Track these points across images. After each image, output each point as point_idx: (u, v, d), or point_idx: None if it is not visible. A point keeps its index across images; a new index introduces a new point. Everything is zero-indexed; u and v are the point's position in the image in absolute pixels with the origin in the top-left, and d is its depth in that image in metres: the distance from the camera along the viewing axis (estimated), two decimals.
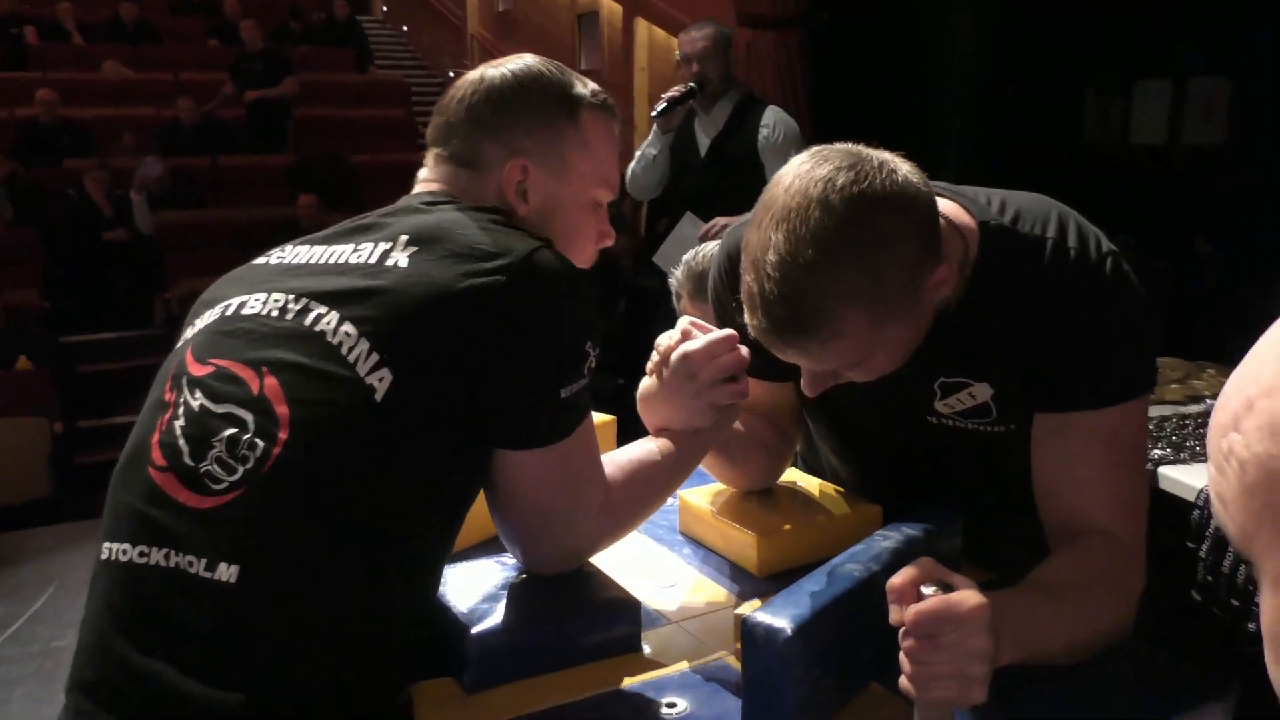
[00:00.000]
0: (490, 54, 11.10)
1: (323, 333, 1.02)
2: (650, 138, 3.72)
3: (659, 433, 1.26)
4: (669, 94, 3.63)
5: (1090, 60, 5.22)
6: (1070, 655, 1.05)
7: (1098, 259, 1.15)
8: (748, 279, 1.05)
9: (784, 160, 2.95)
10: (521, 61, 1.22)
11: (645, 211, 6.06)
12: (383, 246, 1.07)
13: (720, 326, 1.27)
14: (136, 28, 10.19)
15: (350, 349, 1.00)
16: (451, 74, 12.17)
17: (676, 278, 2.10)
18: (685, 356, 1.21)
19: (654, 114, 3.67)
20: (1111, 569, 1.09)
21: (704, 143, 3.62)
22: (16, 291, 6.58)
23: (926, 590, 0.89)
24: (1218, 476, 0.51)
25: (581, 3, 9.30)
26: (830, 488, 1.44)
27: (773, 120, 3.51)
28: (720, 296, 1.36)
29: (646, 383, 1.27)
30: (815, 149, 1.08)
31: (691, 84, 3.58)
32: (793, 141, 3.43)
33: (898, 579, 0.91)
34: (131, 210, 7.34)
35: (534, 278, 1.03)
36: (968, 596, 0.89)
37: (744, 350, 1.22)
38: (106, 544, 1.02)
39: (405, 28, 13.74)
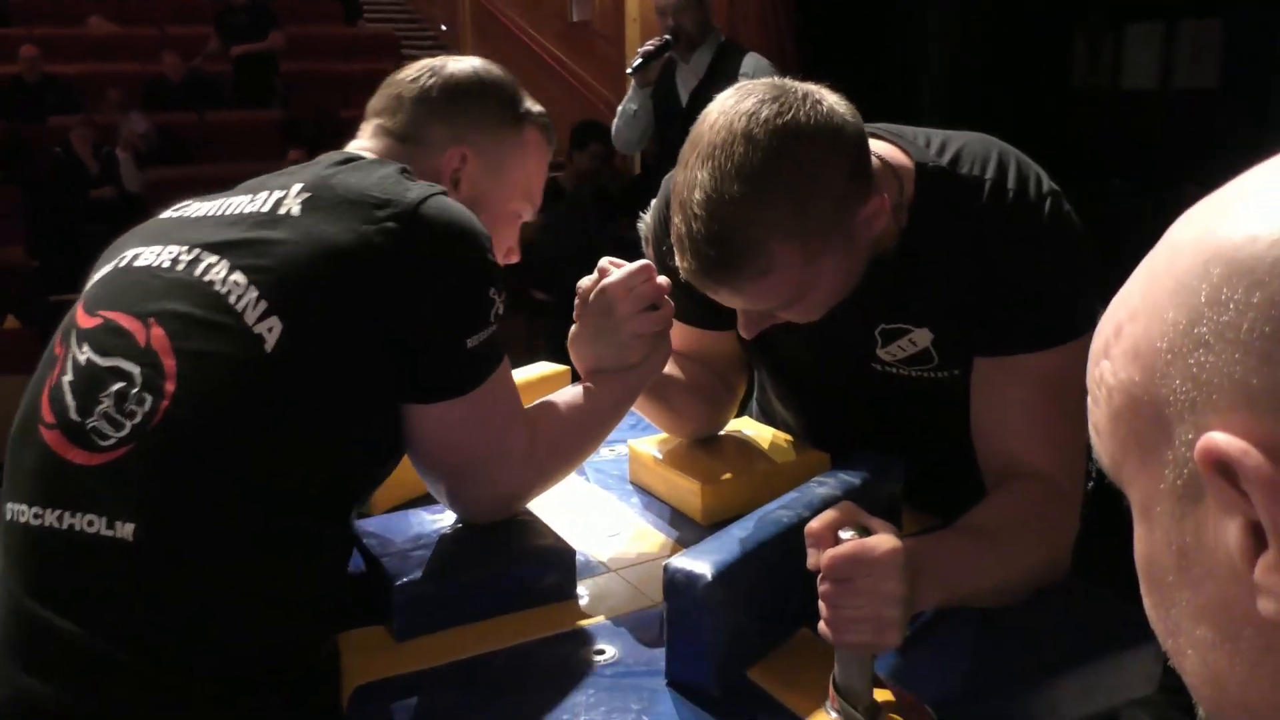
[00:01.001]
0: (483, 7, 11.01)
1: (211, 281, 1.00)
2: (630, 93, 3.70)
3: (590, 375, 1.24)
4: (643, 48, 3.61)
5: (1079, 2, 5.14)
6: (999, 597, 1.05)
7: (1037, 199, 1.12)
8: (675, 220, 1.04)
9: None
10: (481, 63, 1.28)
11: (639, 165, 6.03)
12: (276, 195, 1.06)
13: (660, 273, 1.26)
14: None
15: (239, 297, 0.99)
16: (444, 27, 12.06)
17: (646, 222, 2.08)
18: (603, 290, 1.20)
19: (630, 69, 3.65)
20: (1043, 511, 1.08)
21: (684, 93, 3.60)
22: (3, 250, 6.56)
23: (844, 535, 0.89)
24: (1092, 406, 0.50)
25: None
26: (781, 436, 1.43)
27: (752, 67, 3.47)
28: (658, 253, 1.33)
29: (574, 328, 1.26)
30: (740, 84, 1.06)
31: (666, 36, 3.56)
32: None
33: (815, 524, 0.90)
34: (118, 168, 7.28)
35: (426, 225, 1.01)
36: (881, 540, 0.88)
37: (662, 280, 1.20)
38: (8, 505, 1.00)
39: None
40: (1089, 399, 0.50)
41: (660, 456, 1.37)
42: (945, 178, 1.14)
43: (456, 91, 1.22)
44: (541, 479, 1.17)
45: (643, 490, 1.41)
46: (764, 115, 0.98)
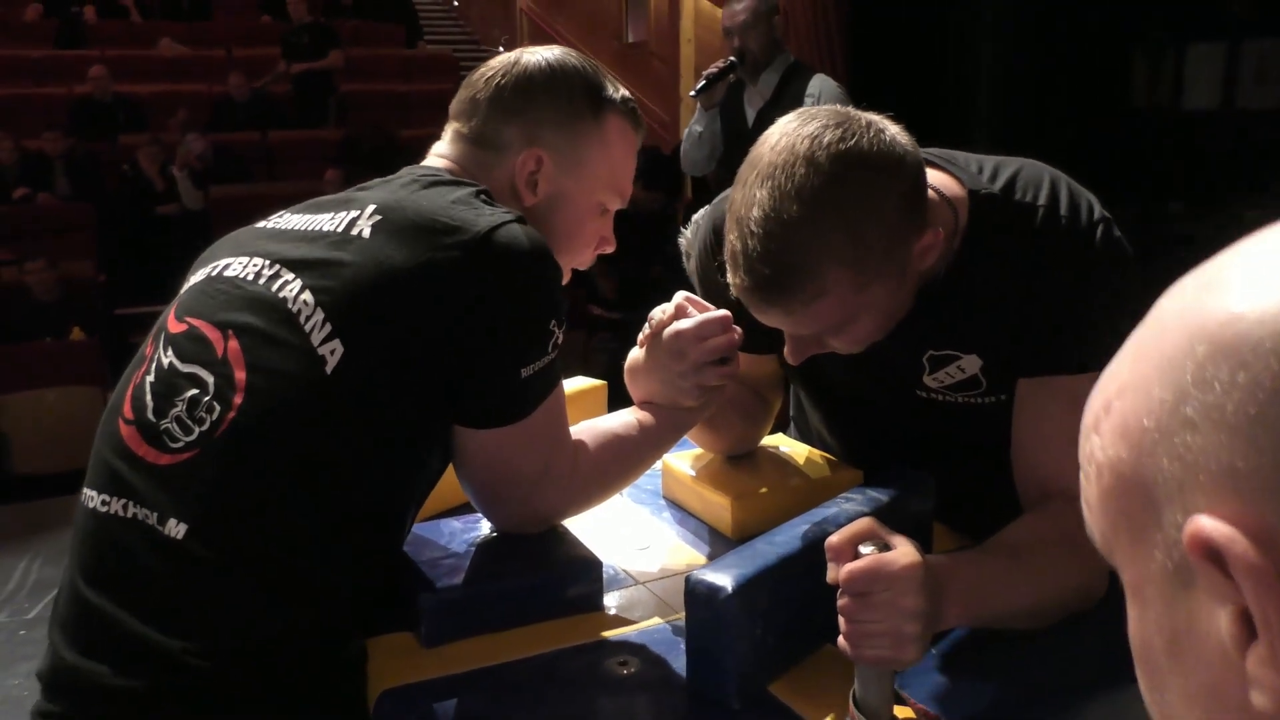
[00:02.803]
0: (539, 28, 11.16)
1: (285, 299, 1.03)
2: (696, 115, 3.71)
3: (643, 405, 1.25)
4: (708, 70, 3.61)
5: (1138, 21, 5.08)
6: (1029, 620, 1.03)
7: (1088, 225, 1.12)
8: (731, 237, 1.04)
9: None
10: (559, 52, 1.23)
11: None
12: (351, 215, 1.07)
13: (703, 297, 1.27)
14: (191, 4, 10.34)
15: (307, 318, 1.01)
16: (500, 48, 12.23)
17: (686, 237, 2.08)
18: (677, 334, 1.19)
19: (692, 93, 3.66)
20: (1078, 534, 1.06)
21: (751, 113, 3.59)
22: (73, 264, 6.75)
23: (864, 550, 0.89)
24: (1083, 481, 0.49)
25: None
26: (816, 454, 1.43)
27: (818, 89, 3.45)
28: (704, 269, 1.34)
29: (635, 354, 1.26)
30: (803, 109, 1.07)
31: (731, 58, 3.55)
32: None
33: (835, 538, 0.90)
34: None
35: (492, 254, 1.02)
36: (901, 555, 0.88)
37: (737, 332, 1.20)
38: (84, 490, 1.06)
39: (455, 2, 13.77)
40: (1080, 474, 0.50)
41: (693, 472, 1.38)
42: (998, 205, 1.14)
43: (529, 88, 1.19)
44: (580, 502, 1.19)
45: (675, 505, 1.41)
46: (827, 140, 0.99)
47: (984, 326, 1.16)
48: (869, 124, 1.02)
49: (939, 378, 1.21)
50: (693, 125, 3.71)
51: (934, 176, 1.13)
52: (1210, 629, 0.41)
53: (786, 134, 1.02)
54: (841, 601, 0.88)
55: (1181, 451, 0.41)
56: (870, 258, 1.01)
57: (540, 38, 11.26)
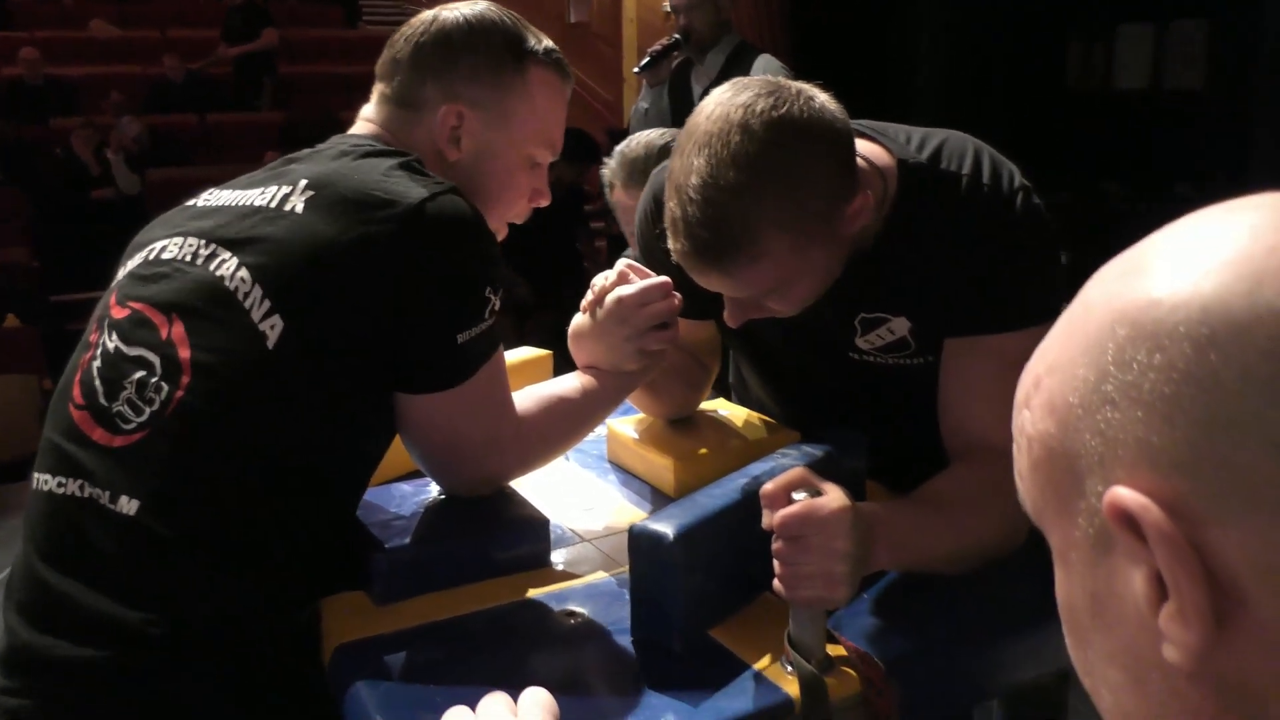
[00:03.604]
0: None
1: (222, 277, 1.05)
2: (642, 92, 3.73)
3: (586, 369, 1.29)
4: (652, 48, 3.63)
5: (1073, 6, 5.19)
6: (952, 565, 1.09)
7: (1010, 192, 1.18)
8: (670, 205, 1.07)
9: None
10: (477, 7, 1.22)
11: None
12: (284, 190, 1.09)
13: (644, 264, 1.30)
14: None
15: (245, 295, 1.03)
16: None
17: (609, 167, 2.10)
18: (620, 300, 1.23)
19: (636, 69, 3.68)
20: (999, 483, 1.11)
21: (698, 92, 3.61)
22: (6, 250, 6.63)
23: (796, 496, 0.93)
24: (1016, 453, 0.53)
25: None
26: (755, 416, 1.47)
27: (763, 68, 3.48)
28: (645, 237, 1.38)
29: (579, 319, 1.29)
30: (734, 80, 1.10)
31: (676, 36, 3.57)
32: None
33: (770, 485, 0.95)
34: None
35: (425, 225, 1.04)
36: (831, 500, 0.93)
37: (677, 298, 1.24)
38: (35, 474, 1.07)
39: None
40: (1014, 446, 0.54)
41: (637, 436, 1.42)
42: (925, 173, 1.19)
43: (448, 44, 1.19)
44: (525, 464, 1.22)
45: (620, 469, 1.45)
46: (760, 107, 1.03)
47: (912, 289, 1.21)
48: (799, 92, 1.06)
49: (870, 339, 1.26)
50: (639, 103, 3.73)
51: (864, 146, 1.17)
52: (1127, 591, 0.45)
53: (721, 103, 1.05)
54: (776, 545, 0.93)
55: (1103, 427, 0.45)
56: (805, 220, 1.05)
57: None
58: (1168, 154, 4.80)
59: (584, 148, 5.20)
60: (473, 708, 0.72)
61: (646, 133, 2.07)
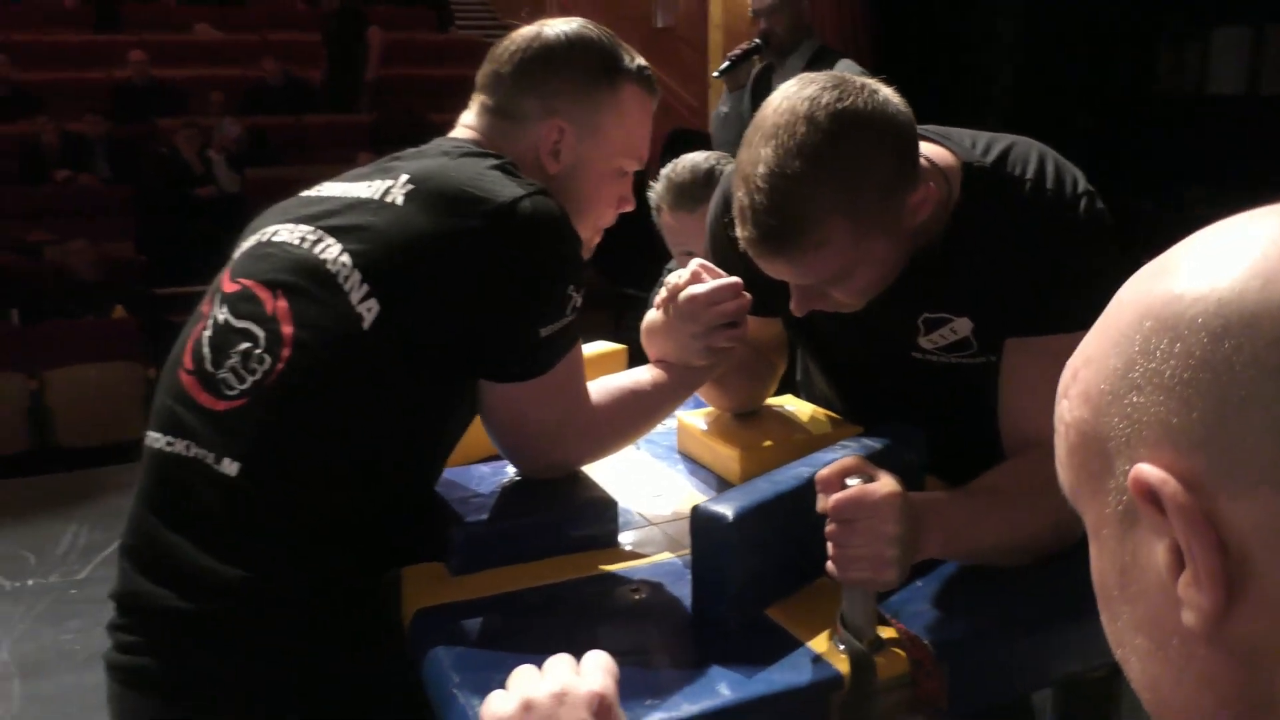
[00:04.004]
0: (568, 12, 11.20)
1: (325, 261, 1.13)
2: (723, 96, 3.77)
3: (657, 363, 1.34)
4: (733, 52, 3.67)
5: (1165, 6, 5.09)
6: (1003, 557, 1.12)
7: (1073, 197, 1.20)
8: (739, 194, 1.13)
9: None
10: (576, 24, 1.29)
11: None
12: (387, 184, 1.17)
13: (714, 263, 1.35)
14: None
15: (345, 278, 1.11)
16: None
17: (656, 190, 2.15)
18: (692, 299, 1.28)
19: (716, 73, 3.72)
20: (1053, 479, 1.14)
21: None
22: (114, 245, 6.93)
23: (850, 481, 0.98)
24: (1055, 440, 0.58)
25: None
26: (820, 412, 1.52)
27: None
28: (716, 237, 1.43)
29: (652, 315, 1.35)
30: (802, 75, 1.16)
31: (756, 40, 3.60)
32: None
33: (824, 471, 0.99)
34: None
35: (515, 224, 1.10)
36: (882, 486, 0.97)
37: (747, 298, 1.28)
38: (149, 433, 1.17)
39: None
40: (1055, 434, 0.59)
41: (705, 428, 1.47)
42: (990, 176, 1.22)
43: (549, 60, 1.25)
44: (597, 451, 1.28)
45: (689, 459, 1.51)
46: (825, 100, 1.08)
47: (975, 290, 1.24)
48: (863, 85, 1.11)
49: (933, 339, 1.29)
50: (720, 106, 3.77)
51: (929, 149, 1.21)
52: (1150, 562, 0.49)
53: (788, 97, 1.11)
54: (829, 528, 0.97)
55: (1129, 411, 0.49)
56: (867, 209, 1.09)
57: None
58: (1263, 161, 4.68)
59: (682, 143, 5.24)
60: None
61: (692, 156, 2.11)
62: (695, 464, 1.49)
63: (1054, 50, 4.69)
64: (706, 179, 1.99)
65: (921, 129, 1.20)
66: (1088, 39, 4.96)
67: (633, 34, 9.58)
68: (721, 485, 1.41)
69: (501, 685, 0.81)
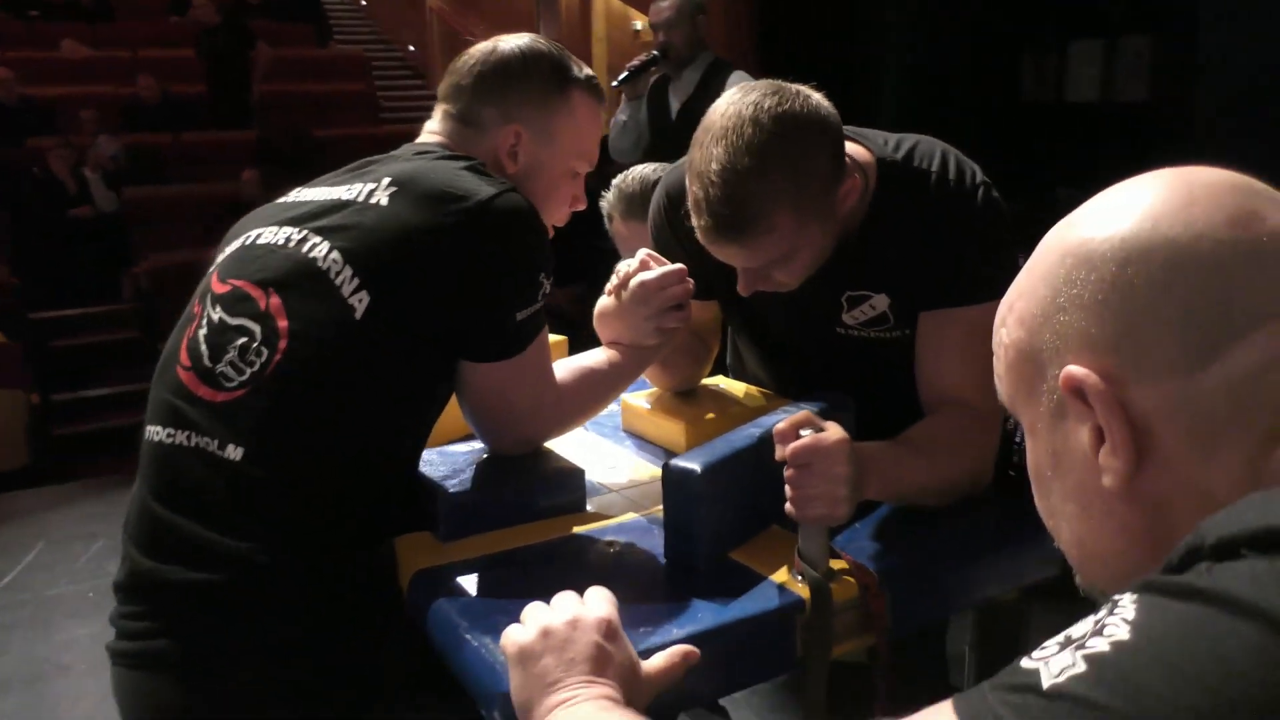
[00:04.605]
0: (450, 27, 11.23)
1: (315, 259, 1.22)
2: (621, 105, 3.91)
3: (610, 345, 1.47)
4: (632, 63, 3.82)
5: (1027, 22, 5.44)
6: (930, 497, 1.29)
7: (972, 187, 1.38)
8: (694, 188, 1.27)
9: None
10: (528, 39, 1.42)
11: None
12: (369, 186, 1.27)
13: (658, 252, 1.49)
14: (94, 5, 10.21)
15: (336, 273, 1.20)
16: (411, 48, 12.29)
17: (608, 199, 2.29)
18: (642, 284, 1.41)
19: (615, 83, 3.86)
20: (966, 430, 1.32)
21: (675, 106, 3.78)
22: None
23: (803, 433, 1.12)
24: (995, 362, 0.74)
25: None
26: (752, 389, 1.67)
27: (736, 83, 3.65)
28: (659, 230, 1.57)
29: (604, 301, 1.47)
30: (742, 84, 1.30)
31: (654, 52, 3.75)
32: None
33: (781, 424, 1.14)
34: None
35: (492, 218, 1.22)
36: (832, 434, 1.12)
37: (690, 283, 1.42)
38: (148, 427, 1.24)
39: (363, 1, 13.77)
40: (994, 357, 0.74)
41: (649, 406, 1.61)
42: (901, 169, 1.38)
43: (505, 74, 1.38)
44: (562, 425, 1.40)
45: (634, 435, 1.64)
46: (767, 105, 1.23)
47: (891, 269, 1.41)
48: (798, 91, 1.27)
49: (855, 315, 1.45)
50: (618, 115, 3.91)
51: (850, 147, 1.37)
52: (1076, 443, 0.65)
53: (733, 102, 1.25)
54: (787, 473, 1.12)
55: (1057, 328, 0.65)
56: (808, 200, 1.24)
57: (451, 37, 11.33)
58: (1117, 163, 5.03)
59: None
60: None
61: (641, 168, 2.26)
62: (640, 439, 1.62)
63: (933, 62, 4.99)
64: (655, 187, 2.14)
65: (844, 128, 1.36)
66: (960, 52, 5.28)
67: None
68: (667, 455, 1.53)
69: (506, 626, 0.92)
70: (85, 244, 7.44)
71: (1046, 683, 0.51)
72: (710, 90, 3.71)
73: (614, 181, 2.27)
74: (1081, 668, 0.50)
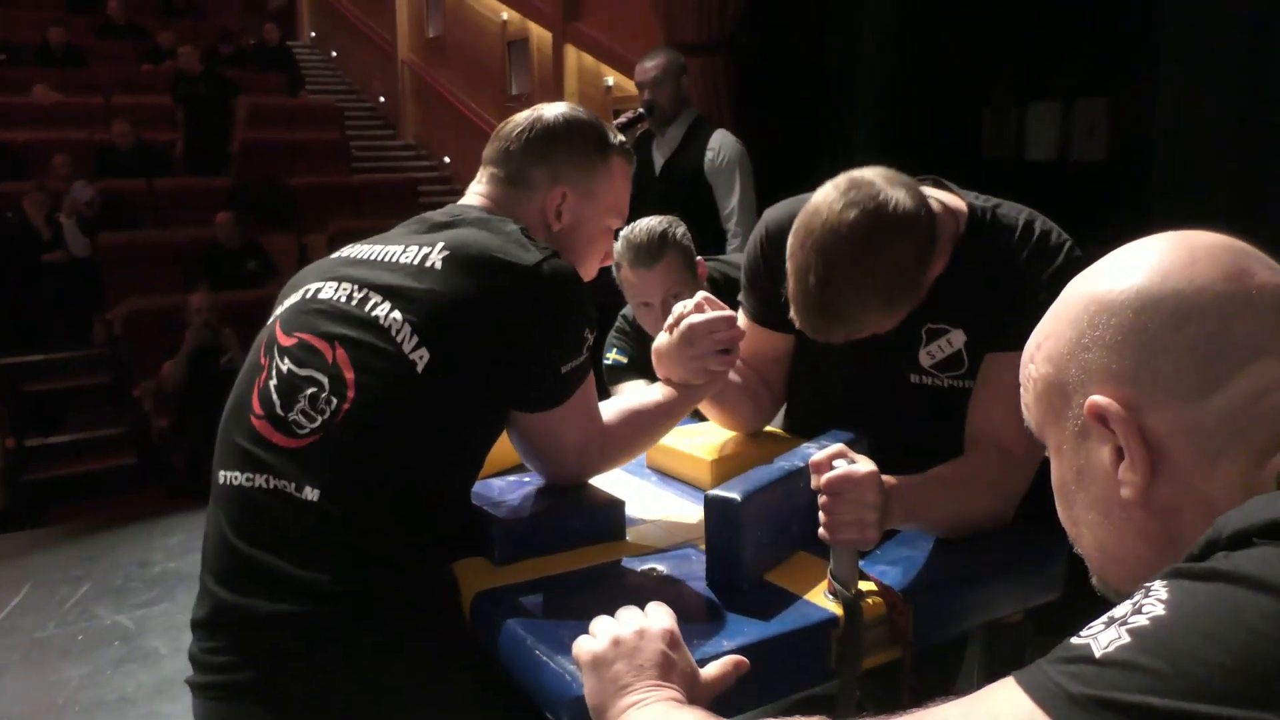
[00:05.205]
0: (422, 80, 11.41)
1: (377, 318, 1.32)
2: None
3: (664, 381, 1.57)
4: (618, 120, 3.95)
5: (987, 85, 5.69)
6: (947, 531, 1.41)
7: (1058, 241, 1.50)
8: (793, 287, 1.39)
9: (728, 178, 3.37)
10: (568, 108, 1.55)
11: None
12: (425, 250, 1.37)
13: (749, 287, 1.61)
14: (65, 52, 10.26)
15: (398, 332, 1.30)
16: (382, 99, 12.45)
17: (616, 250, 2.41)
18: (691, 326, 1.51)
19: None
20: (994, 473, 1.42)
21: (659, 161, 3.91)
22: None
23: (837, 464, 1.25)
24: (1024, 394, 0.87)
25: (511, 30, 9.60)
26: (777, 430, 1.79)
27: (718, 143, 3.78)
28: (754, 264, 1.69)
29: (662, 338, 1.57)
30: (846, 183, 1.39)
31: (640, 109, 3.89)
32: (736, 161, 3.74)
33: (817, 455, 1.26)
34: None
35: (540, 283, 1.33)
36: (863, 466, 1.24)
37: (740, 329, 1.52)
38: (222, 472, 1.34)
39: (334, 53, 13.93)
40: (1021, 389, 0.86)
41: (676, 444, 1.72)
42: (990, 217, 1.52)
43: (550, 137, 1.49)
44: (610, 462, 1.51)
45: (658, 472, 1.75)
46: (864, 221, 1.33)
47: (971, 307, 1.51)
48: (889, 198, 1.35)
49: (931, 351, 1.55)
50: None
51: (943, 195, 1.49)
52: (1098, 461, 0.78)
53: (833, 208, 1.35)
54: (822, 500, 1.23)
55: (1082, 364, 0.79)
56: (898, 299, 1.38)
57: (423, 90, 11.52)
58: (1077, 218, 5.26)
59: None
60: None
61: (647, 220, 2.36)
62: (664, 475, 1.74)
63: (899, 123, 5.20)
64: (661, 240, 2.27)
65: (933, 178, 1.51)
66: (924, 114, 5.50)
67: (489, 101, 9.84)
68: (693, 492, 1.66)
69: (572, 642, 1.02)
70: (58, 288, 7.45)
71: (1098, 653, 0.63)
72: (694, 146, 3.86)
73: (622, 233, 2.38)
74: (1126, 639, 0.62)
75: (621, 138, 1.59)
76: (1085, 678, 0.62)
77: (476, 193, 1.54)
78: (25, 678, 3.35)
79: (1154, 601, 0.64)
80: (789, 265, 1.40)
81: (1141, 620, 0.63)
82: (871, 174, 1.39)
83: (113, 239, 7.64)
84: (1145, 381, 0.76)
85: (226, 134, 8.92)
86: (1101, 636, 0.64)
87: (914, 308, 1.44)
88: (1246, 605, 0.60)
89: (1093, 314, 0.79)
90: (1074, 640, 0.66)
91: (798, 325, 1.42)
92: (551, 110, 1.54)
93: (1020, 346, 1.45)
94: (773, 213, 1.68)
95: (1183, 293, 0.76)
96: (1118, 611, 0.65)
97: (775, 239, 1.55)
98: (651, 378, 1.67)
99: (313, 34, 14.58)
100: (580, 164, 1.52)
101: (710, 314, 1.52)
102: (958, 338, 1.54)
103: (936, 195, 1.47)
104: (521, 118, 1.54)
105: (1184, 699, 0.58)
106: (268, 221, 8.15)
